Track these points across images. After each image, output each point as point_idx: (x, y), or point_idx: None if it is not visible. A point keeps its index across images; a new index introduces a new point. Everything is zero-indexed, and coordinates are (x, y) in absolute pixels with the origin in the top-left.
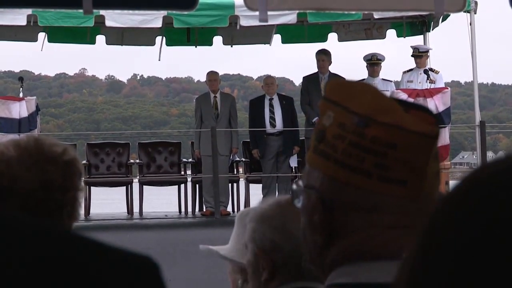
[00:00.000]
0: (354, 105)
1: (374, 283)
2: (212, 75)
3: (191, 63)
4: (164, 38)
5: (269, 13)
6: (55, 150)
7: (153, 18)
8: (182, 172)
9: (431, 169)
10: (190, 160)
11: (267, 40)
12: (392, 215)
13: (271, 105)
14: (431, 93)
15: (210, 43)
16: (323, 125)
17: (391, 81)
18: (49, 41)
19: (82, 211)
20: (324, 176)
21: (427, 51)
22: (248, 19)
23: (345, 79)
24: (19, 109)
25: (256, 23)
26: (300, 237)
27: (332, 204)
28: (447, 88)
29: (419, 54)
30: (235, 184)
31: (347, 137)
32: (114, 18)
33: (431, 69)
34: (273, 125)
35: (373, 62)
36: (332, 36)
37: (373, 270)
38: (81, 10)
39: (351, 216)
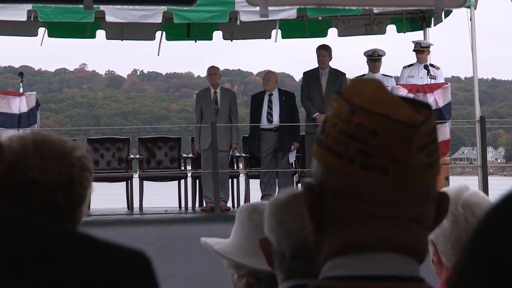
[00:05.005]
0: (353, 96)
1: (367, 276)
2: (212, 69)
3: (191, 58)
4: (164, 32)
5: (269, 8)
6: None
7: (153, 14)
8: (182, 168)
9: (417, 161)
10: (190, 155)
11: (267, 35)
12: (376, 204)
13: (269, 101)
14: (431, 88)
15: (210, 38)
16: (326, 116)
17: (391, 77)
18: (49, 36)
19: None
20: (318, 163)
21: (429, 47)
22: (248, 14)
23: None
24: (19, 105)
25: (255, 18)
26: (281, 234)
27: (320, 190)
28: (447, 84)
29: (421, 49)
30: (235, 180)
31: (338, 125)
32: (114, 13)
33: (431, 65)
34: (270, 120)
35: (374, 58)
36: (332, 31)
37: (364, 262)
38: (81, 6)
39: (337, 203)
